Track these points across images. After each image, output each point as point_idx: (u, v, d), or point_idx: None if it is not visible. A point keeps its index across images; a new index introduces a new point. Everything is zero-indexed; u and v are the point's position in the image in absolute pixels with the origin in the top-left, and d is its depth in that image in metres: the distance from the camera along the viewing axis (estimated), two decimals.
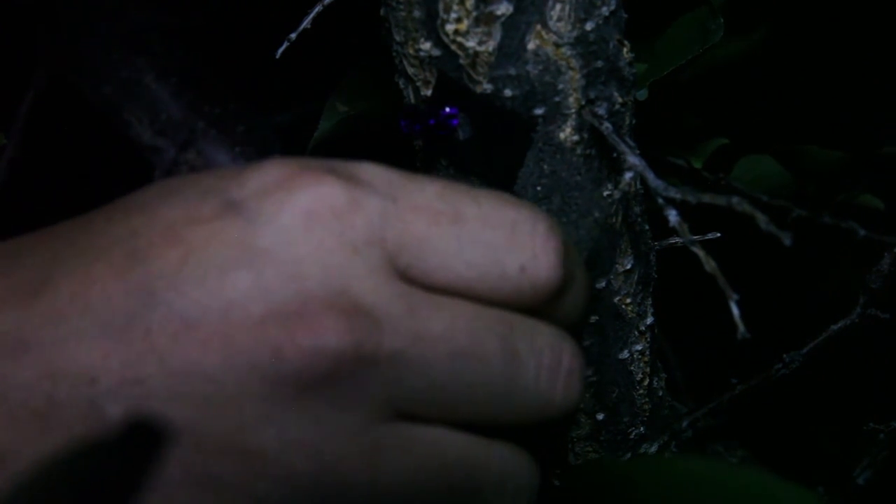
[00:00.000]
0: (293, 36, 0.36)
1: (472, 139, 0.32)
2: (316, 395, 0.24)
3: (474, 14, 0.30)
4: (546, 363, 0.26)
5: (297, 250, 0.24)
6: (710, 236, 0.36)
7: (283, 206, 0.25)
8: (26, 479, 0.18)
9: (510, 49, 0.30)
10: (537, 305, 0.27)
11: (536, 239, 0.26)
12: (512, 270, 0.26)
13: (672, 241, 0.38)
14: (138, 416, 0.23)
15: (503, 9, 0.30)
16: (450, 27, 0.30)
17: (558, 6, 0.30)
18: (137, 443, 0.19)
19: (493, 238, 0.26)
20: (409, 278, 0.25)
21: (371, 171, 0.26)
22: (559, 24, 0.30)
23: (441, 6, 0.30)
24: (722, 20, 0.41)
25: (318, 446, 0.24)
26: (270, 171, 0.26)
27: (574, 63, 0.31)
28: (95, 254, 0.25)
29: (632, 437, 0.40)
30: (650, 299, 0.38)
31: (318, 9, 0.35)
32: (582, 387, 0.27)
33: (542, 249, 0.26)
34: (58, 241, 0.26)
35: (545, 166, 0.32)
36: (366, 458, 0.24)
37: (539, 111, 0.32)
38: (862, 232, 0.40)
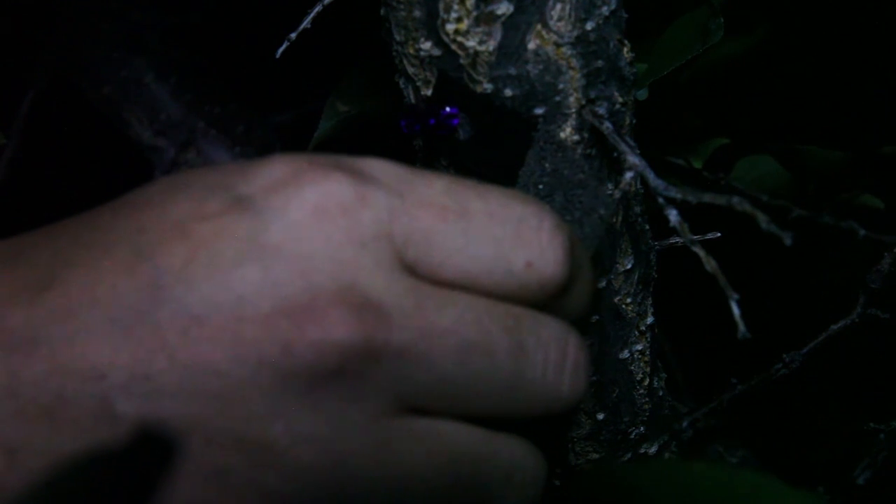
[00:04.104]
0: (293, 36, 0.36)
1: (473, 139, 0.32)
2: (325, 388, 0.24)
3: (475, 14, 0.30)
4: (552, 356, 0.26)
5: (306, 245, 0.24)
6: (710, 236, 0.36)
7: (290, 202, 0.25)
8: (39, 480, 0.18)
9: (510, 49, 0.30)
10: (543, 300, 0.27)
11: (542, 234, 0.26)
12: (518, 266, 0.26)
13: (672, 240, 0.38)
14: (150, 418, 0.23)
15: (503, 8, 0.30)
16: (450, 27, 0.30)
17: (559, 6, 0.30)
18: (148, 444, 0.19)
19: (500, 233, 0.26)
20: (417, 273, 0.26)
21: (378, 167, 0.26)
22: (559, 24, 0.30)
23: (441, 6, 0.30)
24: (722, 20, 0.41)
25: (326, 440, 0.24)
26: (277, 167, 0.26)
27: (574, 63, 0.31)
28: (103, 250, 0.25)
29: (632, 436, 0.40)
30: (650, 299, 0.38)
31: (318, 8, 0.35)
32: (587, 380, 0.27)
33: (549, 245, 0.26)
34: (64, 237, 0.26)
35: (547, 164, 0.32)
36: (374, 452, 0.25)
37: (539, 111, 0.32)
38: (862, 232, 0.40)
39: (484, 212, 0.26)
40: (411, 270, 0.25)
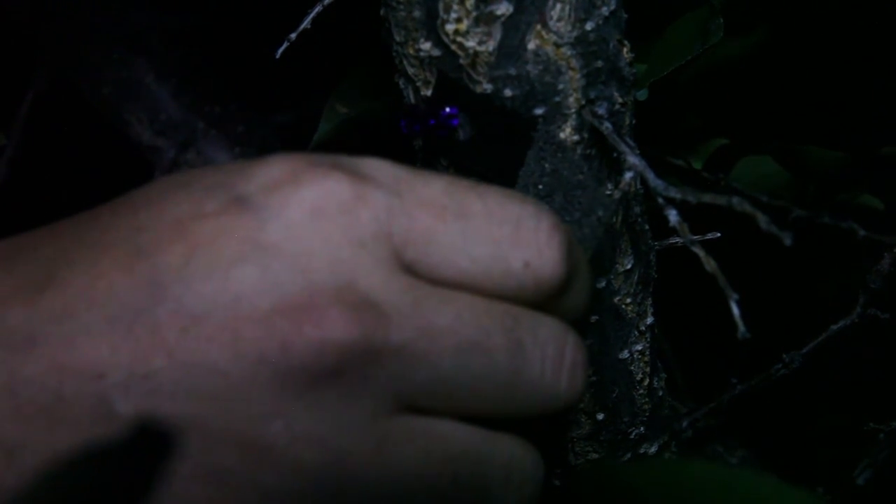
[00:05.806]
0: (293, 36, 0.36)
1: (473, 139, 0.32)
2: (323, 387, 0.24)
3: (474, 14, 0.30)
4: (550, 356, 0.27)
5: (304, 245, 0.24)
6: (710, 236, 0.36)
7: (289, 201, 0.25)
8: (37, 479, 0.18)
9: (510, 49, 0.30)
10: (541, 300, 0.27)
11: (540, 235, 0.26)
12: (516, 266, 0.26)
13: (672, 241, 0.38)
14: (149, 417, 0.23)
15: (503, 9, 0.30)
16: (450, 27, 0.30)
17: (558, 6, 0.30)
18: (147, 443, 0.19)
19: (498, 234, 0.26)
20: (416, 272, 0.26)
21: (376, 167, 0.26)
22: (559, 24, 0.30)
23: (441, 6, 0.30)
24: (722, 20, 0.41)
25: (325, 439, 0.24)
26: (276, 167, 0.26)
27: (574, 63, 0.31)
28: (101, 249, 0.25)
29: (632, 436, 0.40)
30: (650, 299, 0.38)
31: (317, 9, 0.35)
32: (585, 379, 0.28)
33: (546, 245, 0.26)
34: (63, 236, 0.26)
35: (546, 165, 0.32)
36: (373, 451, 0.25)
37: (539, 111, 0.32)
38: (862, 232, 0.40)
39: (482, 212, 0.26)
40: (410, 270, 0.26)
